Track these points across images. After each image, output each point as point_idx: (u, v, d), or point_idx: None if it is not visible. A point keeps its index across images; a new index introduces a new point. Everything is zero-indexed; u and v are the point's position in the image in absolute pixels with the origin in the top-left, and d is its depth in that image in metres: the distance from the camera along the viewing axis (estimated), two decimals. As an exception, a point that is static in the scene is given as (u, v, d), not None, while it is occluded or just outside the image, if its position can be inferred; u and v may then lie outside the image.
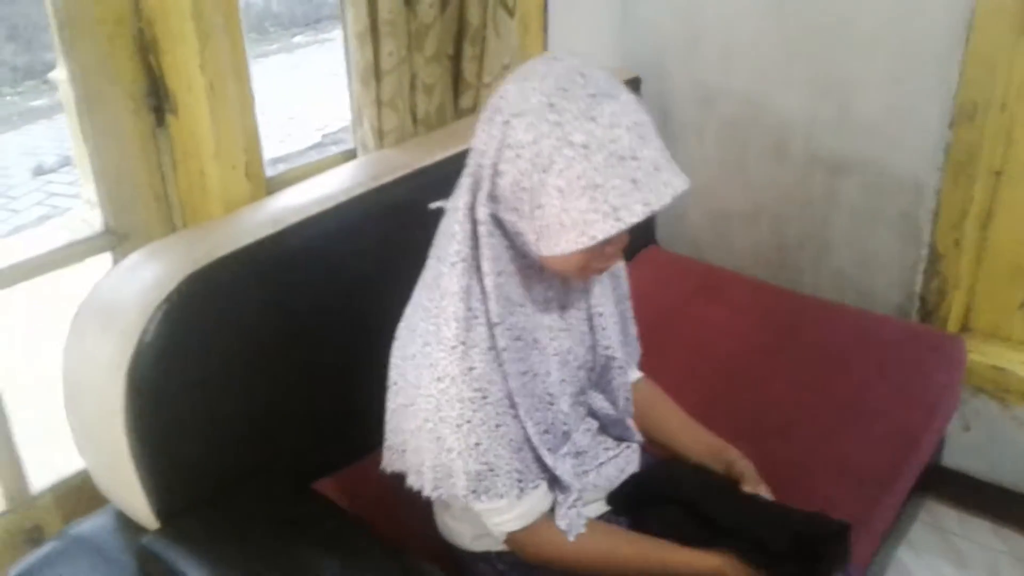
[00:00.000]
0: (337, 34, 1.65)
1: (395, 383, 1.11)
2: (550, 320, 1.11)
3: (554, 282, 1.10)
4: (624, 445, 1.26)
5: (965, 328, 2.07)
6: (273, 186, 1.55)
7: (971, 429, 2.01)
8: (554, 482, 1.12)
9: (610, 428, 1.24)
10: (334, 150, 1.82)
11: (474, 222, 1.01)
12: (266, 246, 1.31)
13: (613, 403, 1.22)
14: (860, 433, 1.59)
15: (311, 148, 5.03)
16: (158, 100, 1.42)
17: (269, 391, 1.32)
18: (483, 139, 0.99)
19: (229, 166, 1.44)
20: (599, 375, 1.21)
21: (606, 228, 0.92)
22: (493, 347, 1.03)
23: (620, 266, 1.25)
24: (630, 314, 1.29)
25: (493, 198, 0.99)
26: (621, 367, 1.21)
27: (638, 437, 1.28)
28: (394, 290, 1.48)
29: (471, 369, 1.02)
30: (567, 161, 0.92)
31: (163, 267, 1.22)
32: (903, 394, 1.69)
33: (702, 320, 1.90)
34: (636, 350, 1.32)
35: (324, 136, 5.33)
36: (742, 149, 2.18)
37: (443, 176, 1.58)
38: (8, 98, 6.01)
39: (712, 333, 1.87)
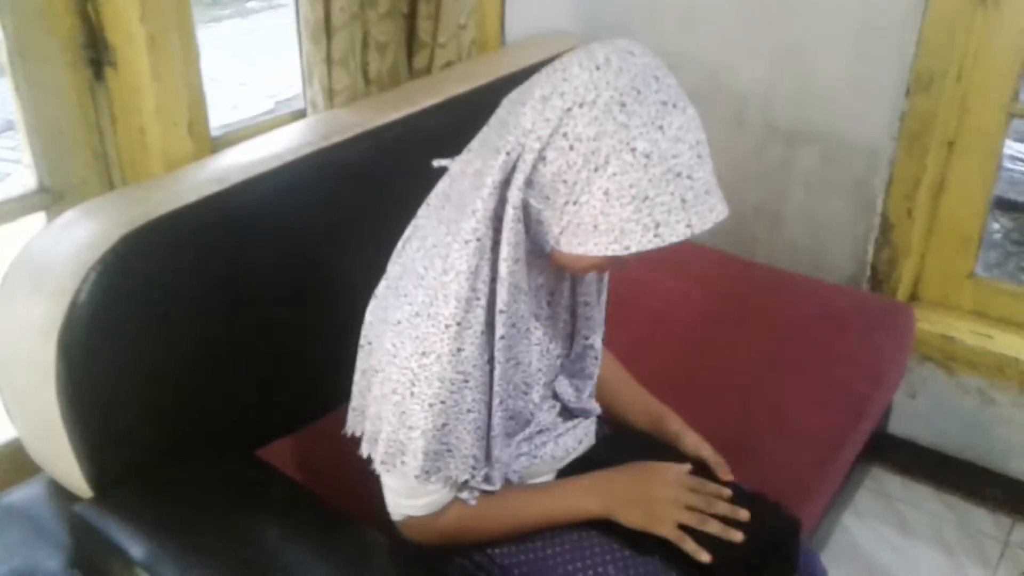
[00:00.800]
0: (290, -2, 1.60)
1: (369, 343, 1.06)
2: (538, 309, 1.09)
3: (546, 270, 1.07)
4: (581, 418, 1.24)
5: (914, 297, 2.09)
6: (219, 146, 1.50)
7: (917, 397, 2.03)
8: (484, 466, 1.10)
9: (572, 410, 1.23)
10: (286, 116, 1.78)
11: (501, 202, 0.95)
12: (209, 205, 1.26)
13: (579, 391, 1.20)
14: (810, 399, 1.60)
15: (263, 114, 4.92)
16: (96, 53, 1.36)
17: (209, 356, 1.28)
18: (533, 119, 0.91)
19: (171, 123, 1.39)
20: (572, 363, 1.18)
21: (643, 242, 0.88)
22: (486, 332, 0.99)
23: None
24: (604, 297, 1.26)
25: (529, 182, 0.93)
26: (596, 357, 1.19)
27: (597, 410, 1.26)
28: (342, 252, 1.45)
29: (459, 351, 0.98)
30: (624, 166, 0.87)
31: (99, 226, 1.17)
32: (853, 361, 1.71)
33: (659, 290, 1.89)
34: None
35: (277, 103, 5.22)
36: (701, 118, 2.15)
37: (395, 137, 1.57)
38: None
39: (668, 303, 1.86)
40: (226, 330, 1.29)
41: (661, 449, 1.21)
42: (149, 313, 1.18)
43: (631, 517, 1.09)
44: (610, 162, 0.88)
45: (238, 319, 1.31)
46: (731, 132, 2.13)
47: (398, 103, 1.62)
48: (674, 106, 0.89)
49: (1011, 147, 3.90)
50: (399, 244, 1.07)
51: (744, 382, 1.63)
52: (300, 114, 1.65)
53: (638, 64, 0.90)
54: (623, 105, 0.88)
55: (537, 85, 0.93)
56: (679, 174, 0.88)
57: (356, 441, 1.14)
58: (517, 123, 0.92)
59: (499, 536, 1.12)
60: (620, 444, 1.25)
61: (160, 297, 1.20)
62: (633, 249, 0.89)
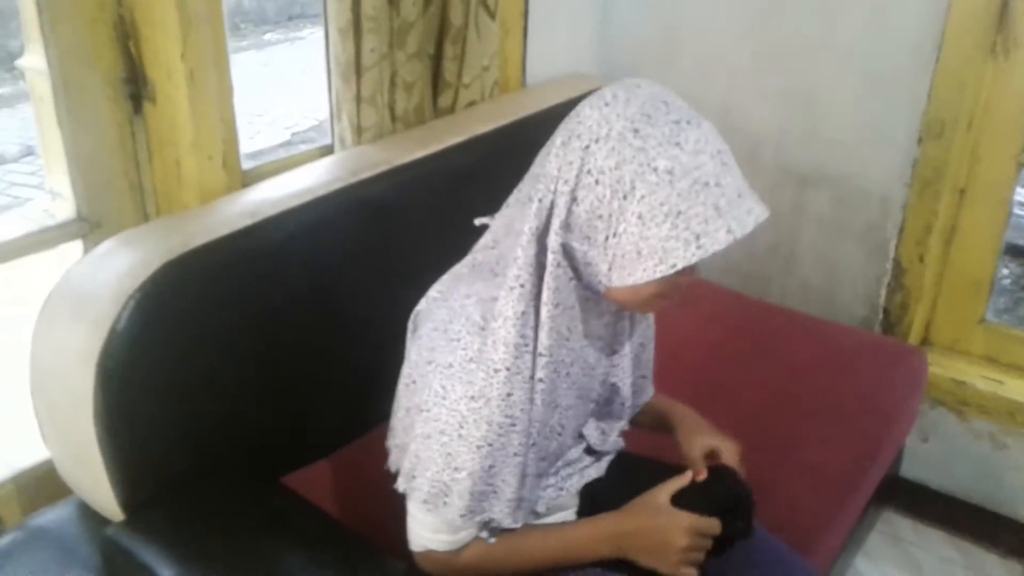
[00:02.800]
0: (308, 32, 1.65)
1: (413, 382, 1.06)
2: (585, 355, 1.09)
3: (604, 314, 1.08)
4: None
5: (926, 341, 2.11)
6: (249, 179, 1.54)
7: (929, 441, 2.05)
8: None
9: (596, 451, 1.24)
10: (303, 148, 1.82)
11: (542, 249, 0.97)
12: (242, 237, 1.30)
13: (604, 434, 1.21)
14: (823, 440, 1.62)
15: (280, 146, 4.99)
16: (136, 87, 1.41)
17: (240, 383, 1.31)
18: (558, 164, 0.95)
19: (206, 156, 1.43)
20: (600, 407, 1.20)
21: (687, 256, 0.89)
22: (533, 376, 1.01)
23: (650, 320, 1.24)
24: (650, 354, 1.28)
25: (566, 226, 0.95)
26: (623, 403, 1.20)
27: (620, 445, 1.27)
28: (370, 284, 1.48)
29: (509, 395, 0.99)
30: (650, 187, 0.89)
31: (138, 255, 1.20)
32: (865, 404, 1.72)
33: (673, 328, 1.91)
34: (646, 391, 1.30)
35: (293, 135, 5.29)
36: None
37: (421, 173, 1.61)
38: (-32, 86, 5.89)
39: (683, 341, 1.88)
40: (258, 358, 1.32)
41: (665, 470, 1.20)
42: (185, 341, 1.21)
43: (648, 562, 1.10)
44: (636, 186, 0.90)
45: (269, 348, 1.34)
46: (744, 174, 2.17)
47: (424, 140, 1.66)
48: (688, 123, 0.92)
49: (1020, 193, 3.93)
50: (440, 287, 1.08)
51: (757, 421, 1.65)
52: (328, 150, 1.69)
53: (645, 93, 0.93)
54: (636, 131, 0.91)
55: (558, 134, 0.97)
56: (706, 184, 0.89)
57: (379, 469, 1.16)
58: (544, 172, 0.96)
59: (524, 569, 1.13)
60: (627, 467, 1.26)
61: (195, 325, 1.23)
62: (679, 265, 0.90)
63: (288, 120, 5.46)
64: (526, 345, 0.99)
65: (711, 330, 1.92)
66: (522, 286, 0.97)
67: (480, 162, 1.70)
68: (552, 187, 0.95)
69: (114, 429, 1.14)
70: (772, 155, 2.13)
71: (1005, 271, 3.55)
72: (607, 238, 0.93)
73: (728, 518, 1.10)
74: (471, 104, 1.84)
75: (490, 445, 1.01)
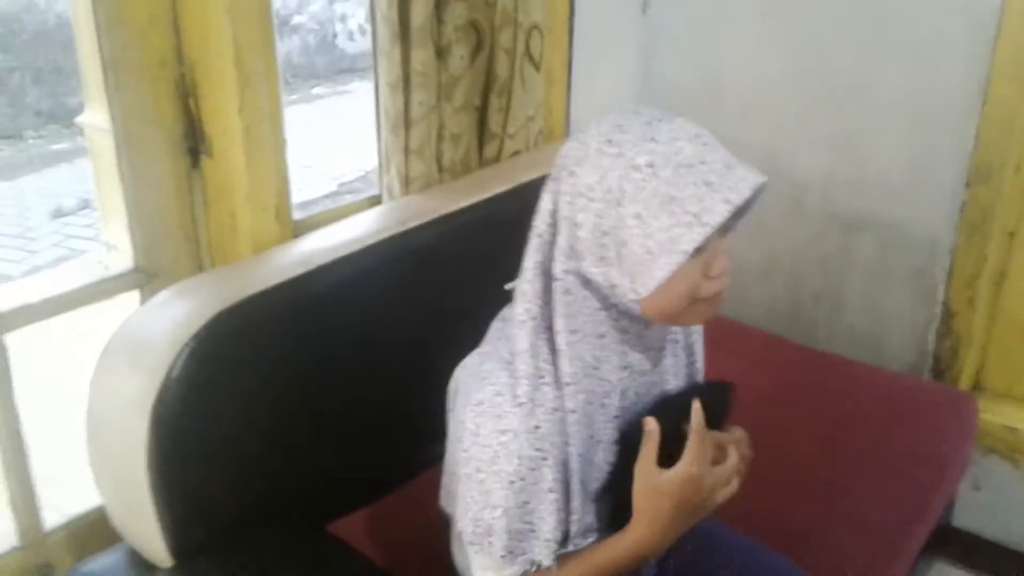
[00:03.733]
0: (356, 86, 1.70)
1: (454, 431, 1.09)
2: (625, 387, 1.08)
3: (652, 349, 1.08)
4: None
5: (977, 387, 2.07)
6: (300, 229, 1.58)
7: (981, 489, 2.00)
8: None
9: None
10: (349, 199, 1.86)
11: (547, 278, 1.00)
12: (294, 287, 1.33)
13: None
14: (873, 489, 1.59)
15: (327, 196, 5.09)
16: (194, 142, 1.46)
17: (290, 432, 1.33)
18: (550, 198, 0.98)
19: (260, 208, 1.47)
20: None
21: (693, 237, 0.90)
22: (559, 408, 1.01)
23: (698, 340, 1.22)
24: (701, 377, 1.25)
25: (575, 253, 0.97)
26: None
27: None
28: (418, 332, 1.51)
29: (537, 428, 1.00)
30: (637, 185, 0.91)
31: (192, 305, 1.24)
32: (916, 451, 1.69)
33: (718, 372, 1.91)
34: None
35: (340, 185, 5.39)
36: (760, 204, 2.20)
37: (467, 222, 1.64)
38: (31, 141, 6.10)
39: (728, 386, 1.88)
40: (308, 406, 1.35)
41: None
42: (237, 388, 1.24)
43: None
44: (625, 189, 0.92)
45: (318, 396, 1.36)
46: (790, 218, 2.17)
47: (469, 190, 1.69)
48: (659, 120, 0.94)
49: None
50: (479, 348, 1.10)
51: (804, 470, 1.63)
52: (376, 200, 1.73)
53: (615, 113, 0.97)
54: (610, 141, 0.94)
55: (549, 178, 1.00)
56: (690, 165, 0.91)
57: (424, 515, 1.17)
58: (539, 209, 1.00)
59: None
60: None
61: (248, 373, 1.26)
62: (690, 248, 0.90)
63: (335, 171, 5.57)
64: (542, 377, 1.00)
65: (757, 375, 1.91)
66: (532, 319, 1.00)
67: (526, 210, 1.70)
68: (548, 220, 0.98)
69: (166, 476, 1.17)
70: (818, 200, 2.13)
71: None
72: (618, 252, 0.94)
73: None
74: (516, 153, 1.87)
75: (522, 479, 1.00)
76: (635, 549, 1.05)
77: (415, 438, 1.40)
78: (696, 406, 1.03)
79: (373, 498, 1.48)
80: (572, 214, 0.96)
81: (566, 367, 1.00)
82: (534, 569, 1.06)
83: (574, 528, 1.08)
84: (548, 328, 1.00)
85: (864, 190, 2.06)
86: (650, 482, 1.03)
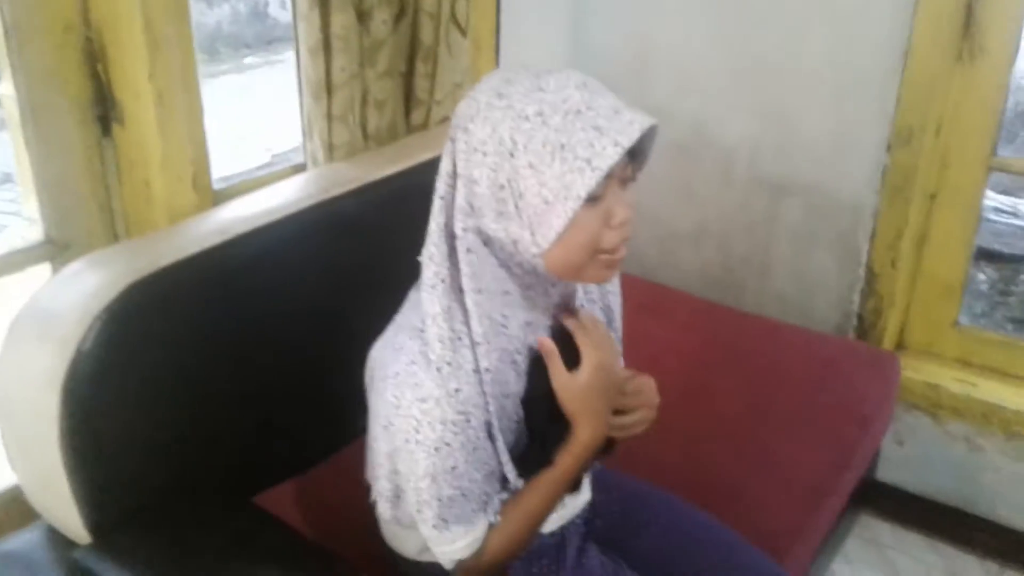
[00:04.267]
0: (289, 56, 1.67)
1: (374, 405, 1.08)
2: (530, 342, 1.09)
3: (555, 303, 1.09)
4: None
5: (900, 346, 2.13)
6: (221, 198, 1.54)
7: (905, 444, 2.06)
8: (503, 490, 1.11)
9: None
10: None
11: (451, 239, 0.99)
12: (211, 257, 1.30)
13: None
14: (797, 445, 1.63)
15: (260, 168, 4.99)
16: (104, 110, 1.41)
17: (210, 404, 1.31)
18: (448, 158, 0.99)
19: (175, 177, 1.43)
20: None
21: (586, 182, 0.91)
22: (477, 369, 1.02)
23: (615, 301, 1.23)
24: (617, 330, 1.25)
25: (474, 210, 0.97)
26: None
27: None
28: (341, 302, 1.48)
29: (456, 391, 1.00)
30: (527, 135, 0.92)
31: (104, 276, 1.20)
32: (840, 408, 1.73)
33: (648, 338, 1.92)
34: None
35: (273, 156, 5.29)
36: (689, 172, 2.23)
37: (393, 190, 1.61)
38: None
39: (657, 350, 1.89)
40: (228, 378, 1.32)
41: None
42: (152, 361, 1.21)
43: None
44: (516, 140, 0.93)
45: (239, 367, 1.34)
46: (719, 185, 2.19)
47: (395, 157, 1.67)
48: (547, 72, 0.96)
49: (995, 199, 3.98)
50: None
51: (731, 428, 1.66)
52: (300, 168, 1.70)
53: (503, 70, 0.99)
54: (500, 95, 0.95)
55: (447, 139, 1.01)
56: (578, 111, 0.92)
57: (353, 486, 1.16)
58: (441, 171, 1.00)
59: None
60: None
61: (164, 345, 1.23)
62: (583, 193, 0.91)
63: (269, 142, 5.47)
64: (459, 339, 1.00)
65: (685, 339, 1.93)
66: (442, 281, 1.00)
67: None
68: (448, 180, 0.99)
69: (79, 452, 1.14)
70: (745, 167, 2.15)
71: (982, 276, 3.58)
72: (515, 204, 0.95)
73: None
74: (444, 120, 1.85)
75: (448, 445, 1.00)
76: (583, 451, 1.08)
77: (340, 409, 1.39)
78: (574, 311, 1.08)
79: (300, 470, 1.47)
80: (468, 171, 0.96)
81: (476, 327, 1.00)
82: (472, 532, 1.06)
83: (502, 485, 1.09)
84: (459, 289, 1.00)
85: (791, 156, 2.08)
86: (570, 386, 1.05)
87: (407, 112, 1.80)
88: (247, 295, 1.35)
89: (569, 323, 1.07)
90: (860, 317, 2.09)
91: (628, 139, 0.92)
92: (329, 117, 1.62)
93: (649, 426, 1.16)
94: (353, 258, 1.51)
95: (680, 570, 1.26)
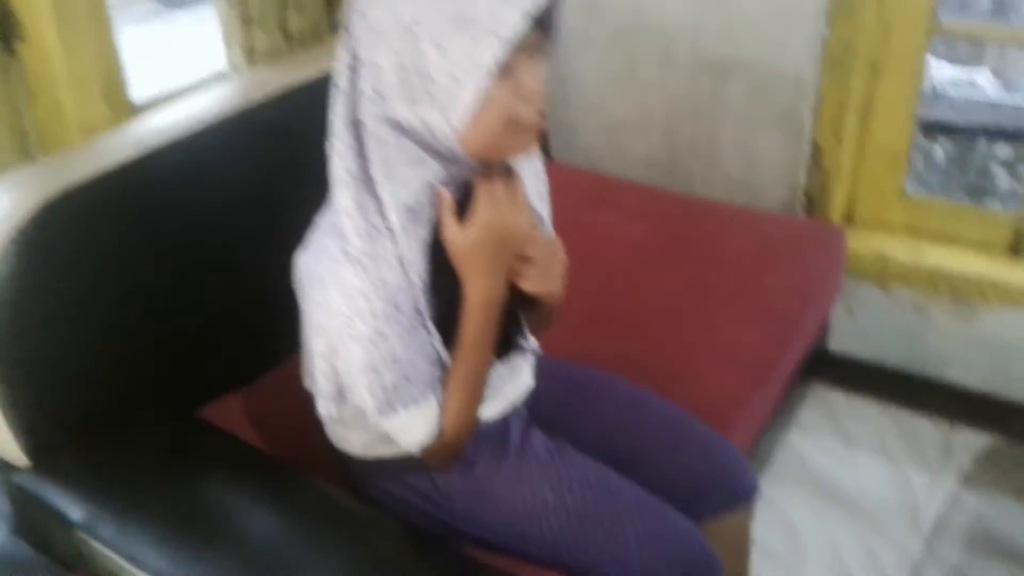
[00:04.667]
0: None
1: (304, 310, 1.07)
2: None
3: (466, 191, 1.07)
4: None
5: (849, 219, 2.12)
6: (142, 113, 1.49)
7: (855, 315, 2.08)
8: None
9: None
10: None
11: (357, 129, 0.97)
12: (128, 172, 1.27)
13: None
14: (741, 322, 1.64)
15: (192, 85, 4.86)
16: (6, 28, 1.35)
17: (139, 320, 1.29)
18: (346, 49, 0.96)
19: (86, 93, 1.39)
20: None
21: (493, 52, 0.88)
22: (400, 257, 1.01)
23: (538, 182, 1.21)
24: (545, 218, 1.24)
25: (382, 98, 0.94)
26: None
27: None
28: (271, 209, 1.46)
29: (381, 281, 0.99)
30: (428, 13, 0.89)
31: (15, 197, 1.17)
32: (784, 285, 1.74)
33: (594, 228, 1.92)
34: None
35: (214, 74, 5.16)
36: (631, 58, 2.18)
37: (319, 94, 1.55)
38: None
39: (604, 239, 1.89)
40: (156, 293, 1.30)
41: None
42: (71, 282, 1.19)
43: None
44: (417, 19, 0.90)
45: (168, 281, 1.32)
46: (661, 70, 2.15)
47: (320, 60, 1.62)
48: None
49: (950, 72, 3.95)
50: None
51: (675, 311, 1.66)
52: (222, 76, 1.65)
53: None
54: None
55: (341, 30, 0.97)
56: None
57: (300, 395, 1.16)
58: (339, 62, 0.96)
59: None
60: None
61: (83, 264, 1.20)
62: (491, 63, 0.89)
63: (195, 60, 5.31)
64: (376, 229, 0.99)
65: (633, 228, 1.93)
66: (352, 176, 0.98)
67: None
68: (348, 72, 0.95)
69: (7, 377, 1.13)
70: (686, 49, 2.10)
71: (939, 150, 3.58)
72: (424, 87, 0.92)
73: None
74: (369, 19, 1.79)
75: (382, 335, 1.00)
76: (478, 311, 1.07)
77: (278, 319, 1.37)
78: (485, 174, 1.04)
79: (243, 383, 1.46)
80: (372, 57, 0.93)
81: (393, 218, 0.99)
82: (423, 412, 1.07)
83: (442, 367, 1.09)
84: (369, 180, 0.98)
85: (731, 35, 2.04)
86: (456, 240, 1.03)
87: (329, 11, 1.74)
88: (170, 208, 1.32)
89: (477, 180, 1.04)
90: (808, 194, 2.08)
91: (534, 6, 0.89)
92: (247, 20, 1.56)
93: (561, 286, 1.15)
94: (281, 166, 1.48)
95: (626, 448, 1.28)
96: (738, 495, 1.29)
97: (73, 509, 1.08)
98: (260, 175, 1.44)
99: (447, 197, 1.02)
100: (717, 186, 2.18)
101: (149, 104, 1.54)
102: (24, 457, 1.17)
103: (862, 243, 2.03)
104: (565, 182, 2.12)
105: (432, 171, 1.00)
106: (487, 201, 1.03)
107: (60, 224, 1.17)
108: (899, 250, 2.02)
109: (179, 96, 1.55)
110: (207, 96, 1.49)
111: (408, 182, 0.99)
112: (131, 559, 1.05)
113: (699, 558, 1.17)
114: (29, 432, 1.16)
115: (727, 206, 2.04)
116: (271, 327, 1.45)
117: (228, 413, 1.39)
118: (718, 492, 1.27)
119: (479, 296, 1.06)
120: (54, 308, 1.17)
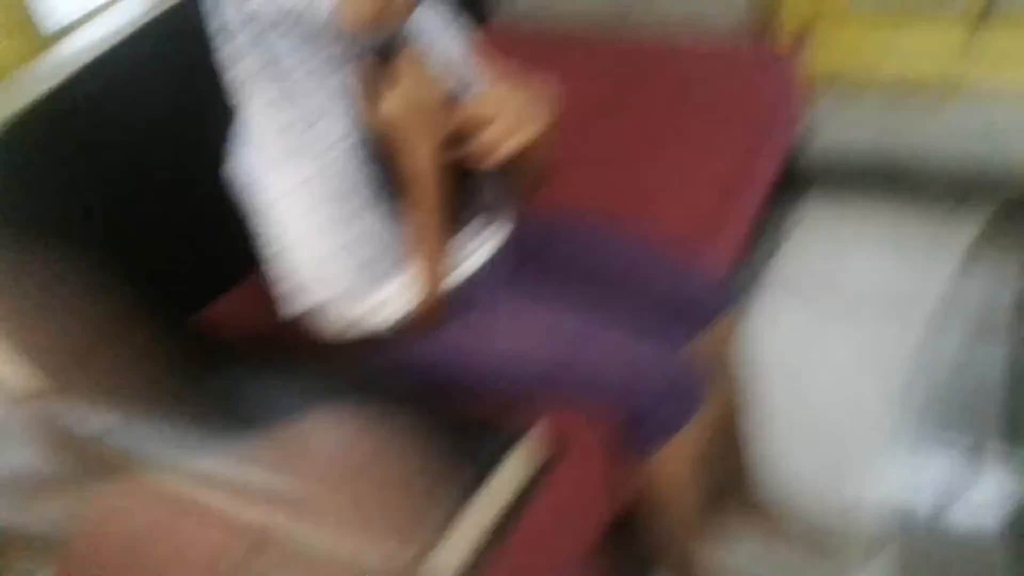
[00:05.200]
0: None
1: (260, 213, 1.09)
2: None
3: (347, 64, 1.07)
4: None
5: (803, 35, 2.07)
6: (56, 43, 1.44)
7: (827, 124, 2.06)
8: None
9: None
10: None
11: (248, 23, 0.98)
12: (49, 103, 1.24)
13: None
14: (703, 154, 1.62)
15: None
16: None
17: (106, 246, 1.28)
18: None
19: (-7, 31, 1.33)
20: None
21: None
22: (328, 145, 1.01)
23: (442, 36, 1.20)
24: (461, 64, 1.22)
25: None
26: None
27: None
28: (204, 112, 1.42)
29: (321, 167, 1.01)
30: None
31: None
32: (742, 110, 1.73)
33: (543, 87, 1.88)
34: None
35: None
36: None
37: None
38: None
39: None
40: (103, 218, 1.29)
41: None
42: (14, 225, 1.18)
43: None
44: None
45: (115, 207, 1.30)
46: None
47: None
48: None
49: None
50: None
51: (635, 154, 1.65)
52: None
53: None
54: None
55: None
56: None
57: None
58: None
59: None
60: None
61: (33, 203, 1.19)
62: None
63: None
64: (293, 124, 1.00)
65: (580, 83, 1.86)
66: (250, 77, 1.00)
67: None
68: None
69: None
70: None
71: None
72: None
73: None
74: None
75: (339, 219, 1.03)
76: (412, 182, 1.07)
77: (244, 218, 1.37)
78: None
79: (229, 285, 1.46)
80: None
81: (311, 104, 0.99)
82: (401, 278, 1.09)
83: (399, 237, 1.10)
84: (278, 75, 0.99)
85: None
86: (370, 123, 1.05)
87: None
88: (102, 128, 1.29)
89: (376, 63, 1.05)
90: (754, 19, 2.03)
91: None
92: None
93: (540, 136, 1.11)
94: (207, 66, 1.44)
95: (597, 289, 1.29)
96: (708, 315, 1.30)
97: (90, 423, 1.10)
98: (189, 78, 1.40)
99: (354, 84, 1.04)
100: (659, 25, 2.12)
101: (64, 32, 1.48)
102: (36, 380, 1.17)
103: (821, 54, 1.98)
104: (507, 45, 2.07)
105: (334, 65, 1.01)
106: (390, 79, 1.04)
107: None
108: (859, 54, 1.99)
109: (92, 17, 1.49)
110: (124, 9, 1.44)
111: (311, 71, 0.99)
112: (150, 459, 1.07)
113: (676, 380, 1.17)
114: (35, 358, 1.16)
115: (673, 46, 1.99)
116: (241, 227, 1.45)
117: (221, 316, 1.39)
118: (689, 314, 1.28)
119: (409, 169, 1.07)
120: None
